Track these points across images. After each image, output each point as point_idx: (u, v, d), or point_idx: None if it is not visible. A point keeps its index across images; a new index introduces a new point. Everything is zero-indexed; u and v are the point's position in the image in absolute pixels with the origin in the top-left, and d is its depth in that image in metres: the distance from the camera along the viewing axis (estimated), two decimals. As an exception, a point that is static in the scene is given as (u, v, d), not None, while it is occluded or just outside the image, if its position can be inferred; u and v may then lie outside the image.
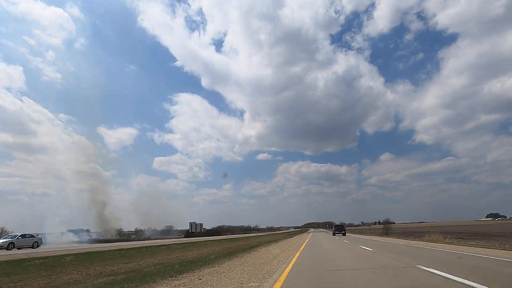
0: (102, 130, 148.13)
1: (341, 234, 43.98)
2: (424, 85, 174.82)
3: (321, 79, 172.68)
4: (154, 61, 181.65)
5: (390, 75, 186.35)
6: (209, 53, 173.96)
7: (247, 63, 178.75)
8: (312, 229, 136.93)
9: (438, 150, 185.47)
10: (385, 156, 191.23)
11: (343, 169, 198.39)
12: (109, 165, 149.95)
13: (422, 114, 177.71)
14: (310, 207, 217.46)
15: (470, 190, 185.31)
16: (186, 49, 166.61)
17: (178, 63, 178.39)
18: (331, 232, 51.06)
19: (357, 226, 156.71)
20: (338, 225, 49.05)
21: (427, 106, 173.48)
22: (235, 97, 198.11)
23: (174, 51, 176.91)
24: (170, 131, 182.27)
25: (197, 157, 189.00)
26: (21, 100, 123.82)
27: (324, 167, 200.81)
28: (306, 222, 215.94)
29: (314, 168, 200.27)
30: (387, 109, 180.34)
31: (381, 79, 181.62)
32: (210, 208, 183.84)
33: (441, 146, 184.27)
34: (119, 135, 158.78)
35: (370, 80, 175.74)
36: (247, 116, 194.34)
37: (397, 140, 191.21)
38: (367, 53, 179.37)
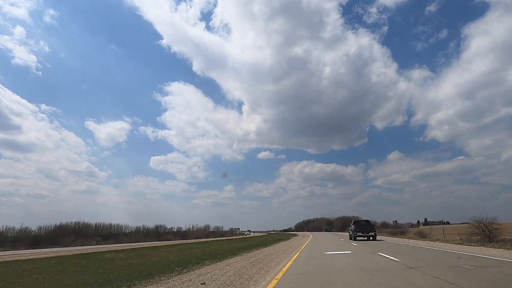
0: (91, 124, 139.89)
1: (366, 238, 24.99)
2: (442, 71, 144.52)
3: (327, 63, 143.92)
4: (138, 40, 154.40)
5: (404, 59, 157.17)
6: (199, 32, 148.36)
7: (241, 42, 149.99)
8: (308, 233, 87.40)
9: (450, 149, 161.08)
10: (393, 155, 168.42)
11: (349, 169, 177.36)
12: (104, 165, 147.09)
13: (437, 106, 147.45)
14: (313, 209, 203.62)
15: (479, 192, 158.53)
16: (173, 26, 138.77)
17: (164, 42, 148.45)
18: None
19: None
20: (360, 221, 26.76)
21: (443, 96, 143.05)
22: (231, 86, 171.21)
23: (160, 28, 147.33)
24: (164, 126, 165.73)
25: (195, 155, 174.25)
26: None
27: (329, 167, 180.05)
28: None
29: (318, 169, 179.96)
30: (399, 100, 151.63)
31: (394, 65, 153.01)
32: (212, 210, 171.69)
33: (453, 144, 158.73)
34: (109, 130, 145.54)
35: (383, 66, 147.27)
36: (245, 108, 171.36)
37: (407, 136, 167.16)
38: (382, 30, 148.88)
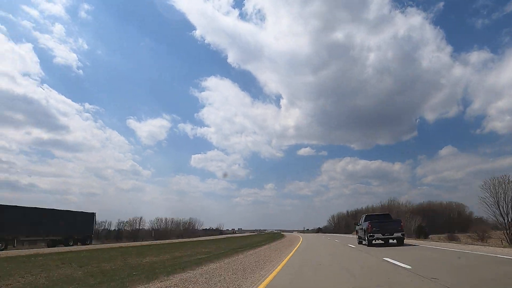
0: (132, 122, 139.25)
1: (391, 240, 16.68)
2: (505, 52, 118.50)
3: (372, 48, 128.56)
4: (171, 31, 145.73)
5: (461, 40, 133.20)
6: (232, 21, 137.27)
7: (276, 29, 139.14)
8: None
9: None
10: (446, 150, 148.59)
11: (396, 166, 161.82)
12: (147, 163, 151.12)
13: (498, 93, 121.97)
14: (357, 208, 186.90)
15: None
16: (206, 15, 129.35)
17: (197, 33, 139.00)
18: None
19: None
20: (378, 215, 19.16)
21: (506, 82, 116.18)
22: (268, 78, 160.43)
23: (192, 17, 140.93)
24: (202, 124, 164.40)
25: (233, 153, 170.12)
26: (42, 88, 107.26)
27: (374, 164, 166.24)
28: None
29: (362, 165, 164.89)
30: (453, 88, 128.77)
31: (449, 48, 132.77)
32: (252, 209, 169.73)
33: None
34: (150, 128, 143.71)
35: (435, 49, 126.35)
36: (284, 102, 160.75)
37: (462, 129, 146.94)
38: (435, 7, 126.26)
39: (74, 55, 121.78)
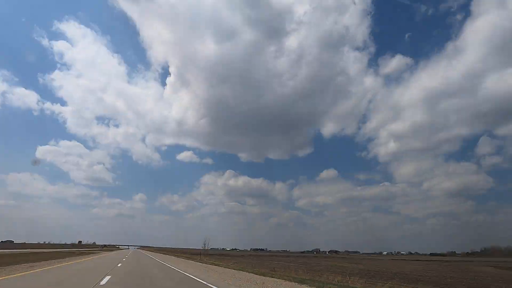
0: None
1: None
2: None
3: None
4: None
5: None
6: None
7: None
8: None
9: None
10: (328, 173, 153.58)
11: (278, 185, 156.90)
12: None
13: (398, 110, 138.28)
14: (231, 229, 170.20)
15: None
16: None
17: None
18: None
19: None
20: None
21: (408, 98, 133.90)
22: (156, 34, 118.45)
23: None
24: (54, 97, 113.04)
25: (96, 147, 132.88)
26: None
27: (257, 182, 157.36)
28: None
29: (244, 182, 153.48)
30: (360, 99, 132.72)
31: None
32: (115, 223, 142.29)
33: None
34: None
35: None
36: (171, 79, 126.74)
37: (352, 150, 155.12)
38: None
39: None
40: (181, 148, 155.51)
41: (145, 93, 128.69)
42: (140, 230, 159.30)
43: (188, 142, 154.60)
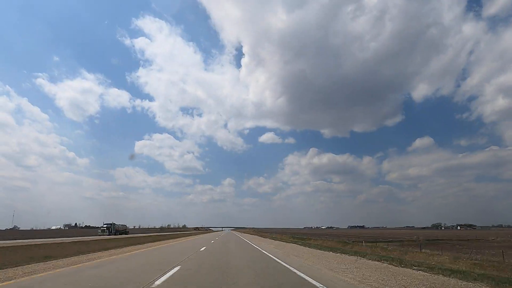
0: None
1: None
2: None
3: None
4: None
5: None
6: None
7: None
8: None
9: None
10: (421, 141, 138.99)
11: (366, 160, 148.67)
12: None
13: (508, 58, 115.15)
14: (316, 208, 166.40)
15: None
16: None
17: None
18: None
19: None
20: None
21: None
22: (225, 14, 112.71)
23: None
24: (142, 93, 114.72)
25: (184, 138, 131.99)
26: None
27: (342, 158, 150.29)
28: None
29: (329, 159, 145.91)
30: (457, 52, 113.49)
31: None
32: (209, 207, 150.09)
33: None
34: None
35: None
36: (245, 60, 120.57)
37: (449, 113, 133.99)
38: None
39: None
40: (262, 130, 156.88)
41: (221, 78, 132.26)
42: (231, 213, 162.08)
43: (268, 123, 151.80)
